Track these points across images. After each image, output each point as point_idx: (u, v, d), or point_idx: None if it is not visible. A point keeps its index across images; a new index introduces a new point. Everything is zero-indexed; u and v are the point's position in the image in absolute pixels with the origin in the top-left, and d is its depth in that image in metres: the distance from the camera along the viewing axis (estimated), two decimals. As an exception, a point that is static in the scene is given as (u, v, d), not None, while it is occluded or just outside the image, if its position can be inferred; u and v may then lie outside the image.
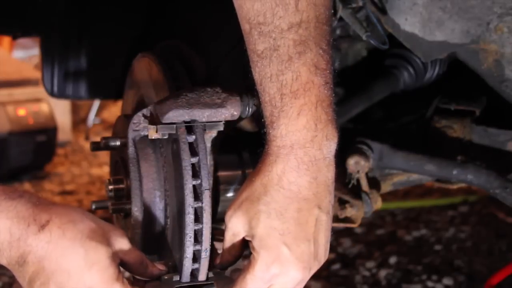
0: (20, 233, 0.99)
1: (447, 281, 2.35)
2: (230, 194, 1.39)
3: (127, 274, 1.13)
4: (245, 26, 1.06)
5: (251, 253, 1.10)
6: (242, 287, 1.09)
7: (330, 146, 1.06)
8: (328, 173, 1.08)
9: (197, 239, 1.12)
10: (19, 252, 1.00)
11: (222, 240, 1.18)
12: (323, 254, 1.10)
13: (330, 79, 1.06)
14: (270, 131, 1.06)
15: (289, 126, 1.04)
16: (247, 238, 1.10)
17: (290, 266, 1.07)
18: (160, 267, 1.14)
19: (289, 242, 1.06)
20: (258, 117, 1.22)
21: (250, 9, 1.03)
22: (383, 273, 2.42)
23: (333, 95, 1.07)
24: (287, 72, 1.03)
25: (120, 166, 1.31)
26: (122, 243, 1.07)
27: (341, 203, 1.47)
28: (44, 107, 3.63)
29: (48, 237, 1.00)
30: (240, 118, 1.21)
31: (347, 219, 1.49)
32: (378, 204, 1.53)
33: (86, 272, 1.01)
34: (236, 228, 1.10)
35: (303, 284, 1.10)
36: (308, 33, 1.03)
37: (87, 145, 4.19)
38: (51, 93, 2.29)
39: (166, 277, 1.14)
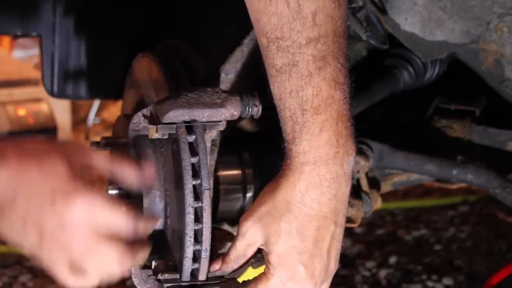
0: None
1: (447, 281, 2.35)
2: (230, 194, 1.39)
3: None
4: (262, 40, 1.05)
5: (258, 261, 1.13)
6: None
7: (350, 161, 1.07)
8: (346, 188, 1.09)
9: (197, 239, 1.12)
10: None
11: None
12: (334, 266, 1.12)
13: (348, 93, 1.05)
14: (292, 147, 1.06)
15: (312, 142, 1.04)
16: (264, 249, 1.11)
17: (303, 283, 1.09)
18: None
19: (305, 261, 1.08)
20: (258, 117, 1.22)
21: (267, 23, 1.02)
22: (383, 273, 2.42)
23: (351, 109, 1.06)
24: (307, 88, 1.02)
25: (120, 166, 1.30)
26: (80, 147, 1.03)
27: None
28: (44, 107, 3.62)
29: (8, 170, 0.96)
30: (240, 118, 1.21)
31: (347, 219, 1.49)
32: (378, 204, 1.54)
33: (44, 184, 0.97)
34: (253, 240, 1.11)
35: None
36: (326, 47, 1.02)
37: (87, 145, 4.18)
38: (51, 93, 2.29)
39: (166, 275, 1.14)
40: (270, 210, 1.09)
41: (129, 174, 1.06)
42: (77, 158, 1.02)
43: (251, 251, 1.13)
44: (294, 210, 1.07)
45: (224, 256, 1.16)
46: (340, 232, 1.11)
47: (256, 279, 1.12)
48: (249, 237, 1.11)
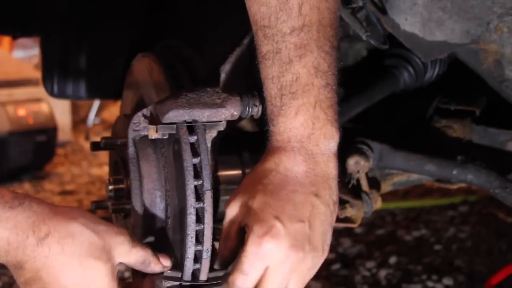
0: (18, 244, 0.99)
1: (447, 281, 2.35)
2: (230, 195, 1.39)
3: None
4: (253, 27, 1.10)
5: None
6: (238, 268, 1.06)
7: (329, 144, 1.09)
8: (327, 168, 1.10)
9: (199, 239, 1.12)
10: (16, 260, 1.00)
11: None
12: (320, 243, 1.08)
13: (332, 81, 1.09)
14: (271, 128, 1.11)
15: (287, 123, 1.08)
16: (244, 221, 1.08)
17: (282, 241, 1.04)
18: (165, 262, 1.15)
19: (282, 218, 1.05)
20: (258, 117, 1.22)
21: (256, 11, 1.08)
22: (383, 273, 2.42)
23: (335, 96, 1.10)
24: (287, 74, 1.07)
25: (120, 166, 1.31)
26: (122, 248, 1.07)
27: (341, 203, 1.47)
28: (44, 107, 3.62)
29: (47, 252, 1.00)
30: (240, 118, 1.21)
31: (347, 219, 1.49)
32: (378, 204, 1.53)
33: None
34: (233, 212, 1.10)
35: (301, 271, 1.07)
36: (309, 36, 1.06)
37: (87, 145, 4.19)
38: (51, 93, 2.29)
39: (168, 272, 1.14)
40: (249, 181, 1.11)
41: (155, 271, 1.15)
42: (118, 257, 1.07)
43: (233, 230, 1.10)
44: (268, 175, 1.09)
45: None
46: (325, 211, 1.08)
47: (240, 255, 1.07)
48: (230, 212, 1.11)
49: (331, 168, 1.10)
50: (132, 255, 1.09)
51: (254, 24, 1.09)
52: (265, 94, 1.11)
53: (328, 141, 1.09)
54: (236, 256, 1.10)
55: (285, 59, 1.07)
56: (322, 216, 1.09)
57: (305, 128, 1.08)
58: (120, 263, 1.08)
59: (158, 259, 1.14)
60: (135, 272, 1.18)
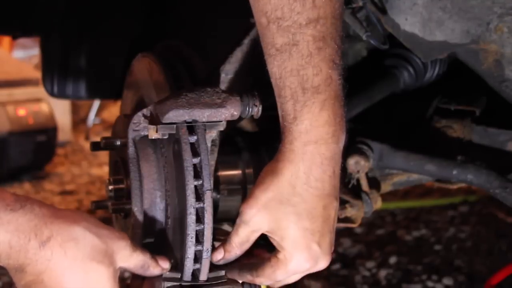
0: (20, 247, 0.98)
1: (447, 281, 2.35)
2: (230, 195, 1.39)
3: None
4: (261, 20, 1.06)
5: (270, 248, 1.13)
6: (270, 276, 1.12)
7: (343, 139, 1.10)
8: (340, 163, 1.11)
9: (199, 239, 1.12)
10: (18, 263, 0.99)
11: (221, 240, 1.18)
12: (334, 238, 1.15)
13: (342, 74, 1.09)
14: (293, 127, 1.07)
15: (313, 121, 1.06)
16: (272, 236, 1.11)
17: (320, 260, 1.11)
18: (163, 265, 1.14)
19: (318, 240, 1.10)
20: (258, 117, 1.22)
21: (267, 3, 1.04)
22: (383, 273, 2.42)
23: (343, 89, 1.10)
24: (308, 67, 1.05)
25: (120, 166, 1.31)
26: (123, 253, 1.07)
27: (341, 203, 1.47)
28: (44, 107, 3.63)
29: (49, 255, 0.99)
30: (240, 118, 1.21)
31: (347, 219, 1.49)
32: (378, 204, 1.54)
33: None
34: (258, 226, 1.11)
35: None
36: (325, 29, 1.05)
37: (87, 145, 4.19)
38: (51, 93, 2.29)
39: (168, 274, 1.14)
40: (275, 195, 1.09)
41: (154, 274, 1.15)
42: (119, 262, 1.07)
43: (254, 237, 1.13)
44: (300, 192, 1.08)
45: (224, 245, 1.16)
46: (338, 207, 1.14)
47: (272, 264, 1.12)
48: (254, 224, 1.11)
49: (340, 161, 1.12)
50: (132, 260, 1.09)
51: (264, 16, 1.05)
52: (281, 89, 1.07)
53: (343, 135, 1.09)
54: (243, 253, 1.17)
55: (304, 52, 1.04)
56: (336, 215, 1.13)
57: (330, 125, 1.06)
58: (120, 267, 1.08)
59: (157, 262, 1.13)
60: (134, 274, 1.18)
